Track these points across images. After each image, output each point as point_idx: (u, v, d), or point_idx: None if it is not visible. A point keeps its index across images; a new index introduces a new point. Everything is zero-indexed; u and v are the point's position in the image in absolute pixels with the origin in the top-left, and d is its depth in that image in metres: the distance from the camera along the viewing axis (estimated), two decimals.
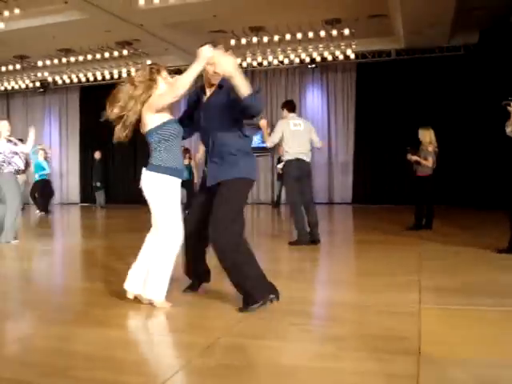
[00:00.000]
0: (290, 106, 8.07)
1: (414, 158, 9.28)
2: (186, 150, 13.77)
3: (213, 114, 4.14)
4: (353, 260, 7.02)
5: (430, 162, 9.16)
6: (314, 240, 7.70)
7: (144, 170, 4.18)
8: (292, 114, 7.99)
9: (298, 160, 7.70)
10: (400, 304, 4.23)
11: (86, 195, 19.86)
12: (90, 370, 2.91)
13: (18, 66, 17.51)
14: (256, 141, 14.50)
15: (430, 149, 9.21)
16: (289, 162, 7.80)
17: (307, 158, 7.84)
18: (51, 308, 4.40)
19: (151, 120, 4.14)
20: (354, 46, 15.06)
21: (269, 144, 8.01)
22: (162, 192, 4.12)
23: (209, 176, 4.22)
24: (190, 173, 13.90)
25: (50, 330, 3.72)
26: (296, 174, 7.69)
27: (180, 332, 3.62)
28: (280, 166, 16.20)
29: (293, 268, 6.26)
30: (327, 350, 3.15)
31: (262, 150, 14.58)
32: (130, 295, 4.27)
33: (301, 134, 7.82)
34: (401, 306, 4.15)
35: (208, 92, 4.23)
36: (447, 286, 4.83)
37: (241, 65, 16.19)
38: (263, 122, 7.77)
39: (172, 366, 2.91)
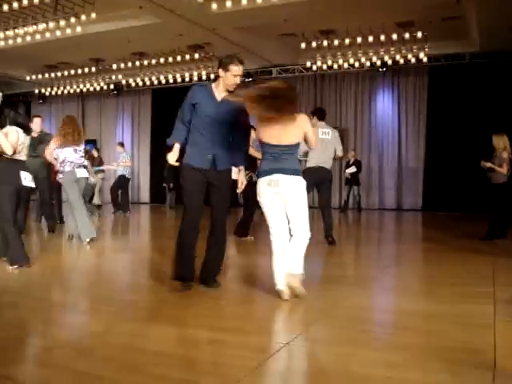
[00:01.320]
0: (321, 115, 8.32)
1: (488, 164, 9.01)
2: None
3: (225, 114, 4.77)
4: (423, 268, 6.87)
5: (504, 170, 8.87)
6: (329, 241, 8.02)
7: (284, 176, 4.52)
8: (321, 123, 8.21)
9: (319, 167, 7.96)
10: (474, 315, 4.11)
11: (156, 195, 20.27)
12: (163, 367, 2.96)
13: (93, 69, 18.06)
14: None
15: (505, 155, 8.92)
16: (310, 168, 7.98)
17: (329, 166, 8.13)
18: (124, 305, 4.52)
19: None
20: (426, 49, 14.75)
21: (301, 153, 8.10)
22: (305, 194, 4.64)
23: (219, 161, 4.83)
24: None
25: (123, 326, 3.82)
26: (315, 181, 7.82)
27: (251, 334, 3.64)
28: (349, 170, 16.14)
29: (361, 274, 6.18)
30: (397, 360, 3.10)
31: None
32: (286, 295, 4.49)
33: (328, 142, 8.08)
34: (475, 318, 4.03)
35: (221, 94, 4.81)
36: None
37: (311, 68, 16.18)
38: None
39: (242, 368, 2.92)
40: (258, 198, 4.65)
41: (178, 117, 4.88)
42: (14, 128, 5.97)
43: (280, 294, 4.46)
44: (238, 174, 5.00)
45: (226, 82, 4.74)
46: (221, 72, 4.75)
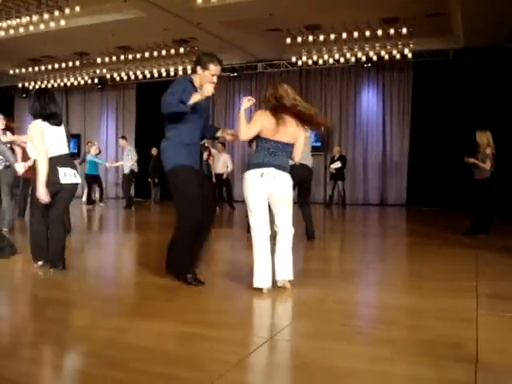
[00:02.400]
0: None
1: (472, 160, 9.07)
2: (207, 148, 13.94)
3: (205, 113, 4.98)
4: (407, 263, 6.91)
5: (487, 165, 8.93)
6: (308, 236, 8.02)
7: (278, 171, 4.57)
8: None
9: (301, 165, 7.70)
10: (456, 309, 4.15)
11: (141, 190, 20.18)
12: (147, 362, 2.95)
13: (77, 63, 17.94)
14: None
15: (488, 151, 8.98)
16: (292, 166, 7.89)
17: (310, 164, 8.15)
18: (109, 300, 4.50)
19: None
20: (411, 45, 14.82)
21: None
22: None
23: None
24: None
25: (108, 321, 3.81)
26: (299, 179, 7.65)
27: (234, 328, 3.63)
28: (334, 165, 16.17)
29: (345, 269, 6.21)
30: (381, 354, 3.11)
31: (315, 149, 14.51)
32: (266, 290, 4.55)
33: (308, 138, 7.94)
34: (457, 312, 4.07)
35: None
36: (505, 293, 4.71)
37: (296, 63, 16.19)
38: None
39: (226, 363, 2.92)
40: (245, 193, 4.61)
41: (172, 103, 4.58)
42: (38, 122, 5.29)
43: (262, 290, 4.49)
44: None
45: (202, 80, 4.74)
46: (199, 69, 4.77)
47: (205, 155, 13.81)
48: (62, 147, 5.39)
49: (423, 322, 3.82)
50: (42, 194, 5.15)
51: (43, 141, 5.20)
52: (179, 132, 4.76)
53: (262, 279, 4.50)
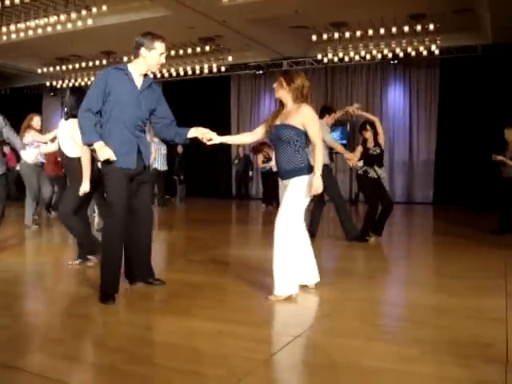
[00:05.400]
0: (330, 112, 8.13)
1: (500, 158, 8.94)
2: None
3: (146, 102, 4.43)
4: (435, 262, 6.85)
5: None
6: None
7: None
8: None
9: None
10: (486, 309, 4.10)
11: (166, 187, 20.24)
12: (173, 359, 2.97)
13: (104, 62, 18.06)
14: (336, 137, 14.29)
15: None
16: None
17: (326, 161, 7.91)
18: (136, 296, 4.53)
19: None
20: (438, 42, 14.62)
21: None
22: None
23: (146, 158, 4.48)
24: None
25: (134, 317, 3.84)
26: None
27: (259, 326, 3.64)
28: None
29: (371, 267, 6.17)
30: (411, 353, 3.09)
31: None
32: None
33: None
34: (486, 312, 4.02)
35: (139, 80, 4.42)
36: None
37: (321, 60, 16.11)
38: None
39: (253, 360, 2.93)
40: (303, 196, 4.33)
41: (87, 108, 4.26)
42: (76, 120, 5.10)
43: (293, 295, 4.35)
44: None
45: (150, 63, 4.38)
46: (143, 51, 4.35)
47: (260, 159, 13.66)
48: None
49: (452, 321, 3.78)
50: (87, 187, 5.38)
51: None
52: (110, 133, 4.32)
53: (294, 285, 4.35)
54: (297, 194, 4.30)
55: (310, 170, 4.32)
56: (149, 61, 4.37)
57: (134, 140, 4.36)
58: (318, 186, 4.26)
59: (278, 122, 4.42)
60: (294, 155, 4.31)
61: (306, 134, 4.32)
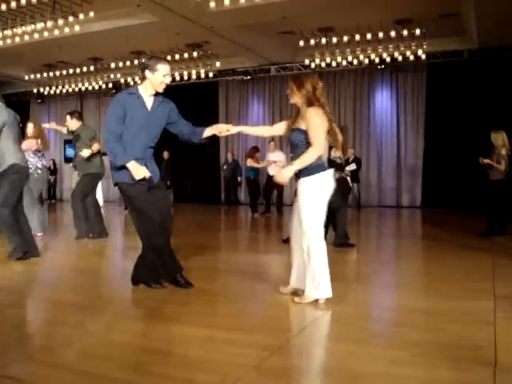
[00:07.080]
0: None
1: (486, 161, 9.01)
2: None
3: (157, 121, 4.79)
4: (424, 265, 6.88)
5: (502, 166, 8.87)
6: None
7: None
8: None
9: None
10: (474, 312, 4.12)
11: None
12: (165, 366, 2.96)
13: (91, 68, 18.02)
14: None
15: (503, 152, 8.93)
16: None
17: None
18: (126, 303, 4.51)
19: None
20: (425, 46, 14.73)
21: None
22: None
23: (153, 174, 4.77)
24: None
25: (124, 324, 3.82)
26: None
27: (250, 332, 3.63)
28: (349, 168, 15.99)
29: (361, 271, 6.19)
30: (400, 356, 3.10)
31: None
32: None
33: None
34: (475, 314, 4.04)
35: (150, 100, 4.78)
36: None
37: (309, 65, 16.17)
38: None
39: (244, 366, 2.93)
40: (318, 197, 4.31)
41: (112, 132, 4.62)
42: None
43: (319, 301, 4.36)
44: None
45: (154, 83, 4.68)
46: (148, 73, 4.66)
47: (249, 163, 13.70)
48: None
49: (441, 324, 3.79)
50: None
51: None
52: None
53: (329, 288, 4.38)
54: (309, 194, 4.30)
55: (318, 169, 4.32)
56: (153, 82, 4.69)
57: (141, 162, 4.64)
58: (283, 177, 4.30)
59: (293, 127, 4.47)
60: None
61: None
